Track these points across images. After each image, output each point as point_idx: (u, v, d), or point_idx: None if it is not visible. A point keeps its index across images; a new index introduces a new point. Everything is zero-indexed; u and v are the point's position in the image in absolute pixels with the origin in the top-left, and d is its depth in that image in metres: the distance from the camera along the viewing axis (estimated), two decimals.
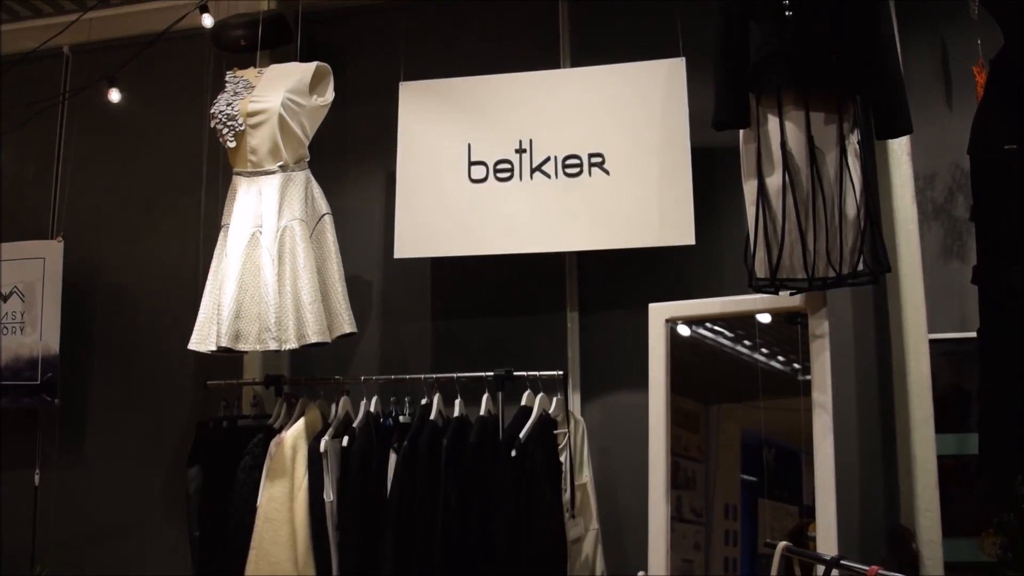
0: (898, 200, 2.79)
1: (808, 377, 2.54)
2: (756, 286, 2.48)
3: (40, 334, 3.51)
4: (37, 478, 3.67)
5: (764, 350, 2.70)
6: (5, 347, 3.55)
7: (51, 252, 3.54)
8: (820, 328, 2.52)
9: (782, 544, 2.32)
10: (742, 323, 2.74)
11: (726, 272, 3.06)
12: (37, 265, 3.56)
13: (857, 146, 2.40)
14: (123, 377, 3.65)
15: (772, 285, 2.44)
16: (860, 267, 2.39)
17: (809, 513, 2.49)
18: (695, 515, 2.72)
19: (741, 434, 2.76)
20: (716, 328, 2.78)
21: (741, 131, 2.49)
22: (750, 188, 2.46)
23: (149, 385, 3.61)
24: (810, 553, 2.32)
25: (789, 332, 2.64)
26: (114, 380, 3.66)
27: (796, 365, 2.61)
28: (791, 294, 2.51)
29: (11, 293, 3.59)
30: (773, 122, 2.41)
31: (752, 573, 2.67)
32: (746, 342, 2.74)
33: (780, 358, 2.68)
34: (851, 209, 2.37)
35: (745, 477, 2.73)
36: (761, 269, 2.44)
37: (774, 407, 2.66)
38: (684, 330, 2.77)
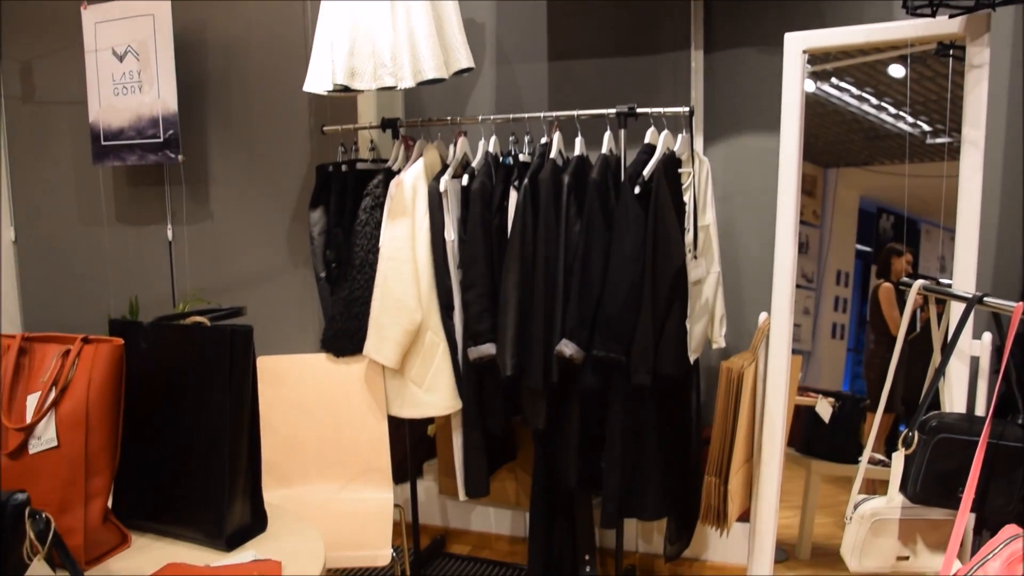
0: None
1: (939, 140, 2.36)
2: (911, 8, 2.23)
3: (158, 92, 3.54)
4: (170, 232, 3.85)
5: (892, 110, 2.51)
6: (126, 107, 3.60)
7: (159, 9, 3.49)
8: (980, 57, 2.28)
9: (919, 282, 2.23)
10: (871, 78, 2.52)
11: (868, 6, 2.80)
12: (147, 23, 3.53)
13: None
14: (240, 129, 3.68)
15: (930, 6, 2.19)
16: None
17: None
18: (806, 280, 2.66)
19: (859, 200, 2.64)
20: (842, 84, 2.58)
21: None
22: None
23: (266, 135, 3.63)
24: (951, 291, 2.22)
25: (923, 90, 2.42)
26: (232, 133, 3.70)
27: (926, 127, 2.42)
28: (950, 16, 2.26)
29: (126, 52, 3.60)
30: None
31: (860, 341, 2.63)
32: (873, 101, 2.55)
33: (908, 119, 2.48)
34: None
35: (859, 247, 2.63)
36: None
37: (897, 172, 2.50)
38: (807, 86, 2.57)
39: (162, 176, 3.84)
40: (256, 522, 1.77)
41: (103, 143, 3.66)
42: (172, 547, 1.71)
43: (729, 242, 3.06)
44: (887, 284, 2.57)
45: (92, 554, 1.62)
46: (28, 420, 1.60)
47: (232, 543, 1.69)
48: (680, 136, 2.67)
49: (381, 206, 2.81)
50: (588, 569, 3.00)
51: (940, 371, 2.18)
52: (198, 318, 2.01)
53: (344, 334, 2.85)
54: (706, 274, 2.75)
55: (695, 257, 2.65)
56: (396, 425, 3.00)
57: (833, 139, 2.67)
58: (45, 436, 1.59)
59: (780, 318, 2.49)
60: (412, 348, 2.77)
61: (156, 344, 1.76)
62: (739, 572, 3.14)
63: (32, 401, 1.62)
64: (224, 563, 1.62)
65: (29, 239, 4.17)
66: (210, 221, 3.78)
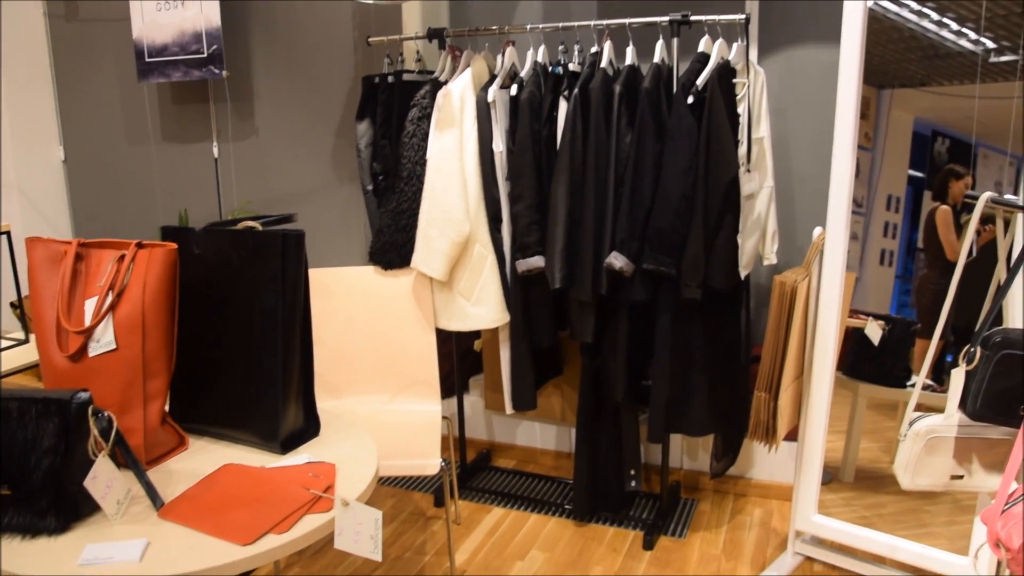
0: None
1: (1003, 58, 2.22)
2: None
3: (200, 7, 3.49)
4: (215, 150, 3.85)
5: (954, 26, 2.38)
6: (169, 23, 3.57)
7: None
8: None
9: (987, 195, 2.16)
10: None
11: None
12: None
13: None
14: (284, 43, 3.63)
15: None
16: None
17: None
18: (856, 204, 2.57)
19: (913, 123, 2.53)
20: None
21: None
22: None
23: (310, 48, 3.58)
24: (1022, 203, 2.15)
25: (991, 4, 2.29)
26: (276, 47, 3.65)
27: (990, 44, 2.29)
28: None
29: None
30: None
31: (908, 268, 2.55)
32: (934, 16, 2.42)
33: (971, 36, 2.35)
34: None
35: (912, 172, 2.53)
36: None
37: (954, 93, 2.38)
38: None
39: (207, 93, 3.82)
40: (310, 426, 1.80)
41: (147, 60, 3.64)
42: (228, 449, 1.74)
43: (783, 157, 2.98)
44: (945, 207, 2.49)
45: (152, 454, 1.66)
46: (87, 324, 1.62)
47: (287, 446, 1.72)
48: (735, 45, 2.57)
49: (428, 117, 2.76)
50: (633, 484, 3.02)
51: (1005, 287, 2.12)
52: (250, 223, 2.01)
53: (392, 246, 2.84)
54: (759, 188, 2.68)
55: (748, 170, 2.58)
56: (443, 340, 3.01)
57: (889, 58, 2.56)
58: (104, 339, 1.62)
59: (835, 234, 2.43)
60: (460, 261, 2.76)
61: (208, 249, 1.77)
62: (784, 491, 3.14)
63: (90, 305, 1.64)
64: (279, 465, 1.64)
65: (77, 158, 4.20)
66: (255, 137, 3.77)
